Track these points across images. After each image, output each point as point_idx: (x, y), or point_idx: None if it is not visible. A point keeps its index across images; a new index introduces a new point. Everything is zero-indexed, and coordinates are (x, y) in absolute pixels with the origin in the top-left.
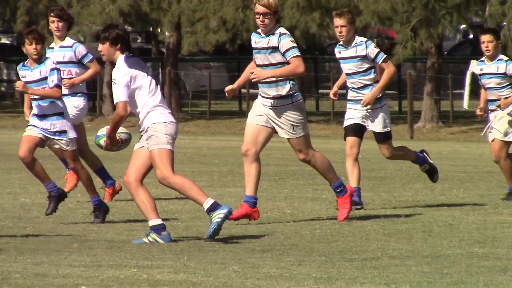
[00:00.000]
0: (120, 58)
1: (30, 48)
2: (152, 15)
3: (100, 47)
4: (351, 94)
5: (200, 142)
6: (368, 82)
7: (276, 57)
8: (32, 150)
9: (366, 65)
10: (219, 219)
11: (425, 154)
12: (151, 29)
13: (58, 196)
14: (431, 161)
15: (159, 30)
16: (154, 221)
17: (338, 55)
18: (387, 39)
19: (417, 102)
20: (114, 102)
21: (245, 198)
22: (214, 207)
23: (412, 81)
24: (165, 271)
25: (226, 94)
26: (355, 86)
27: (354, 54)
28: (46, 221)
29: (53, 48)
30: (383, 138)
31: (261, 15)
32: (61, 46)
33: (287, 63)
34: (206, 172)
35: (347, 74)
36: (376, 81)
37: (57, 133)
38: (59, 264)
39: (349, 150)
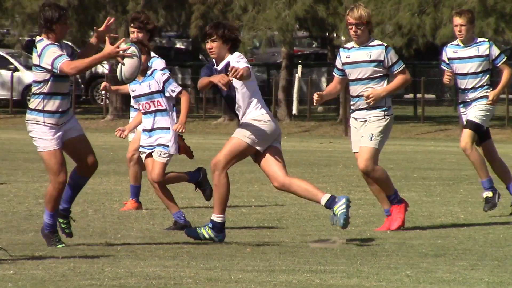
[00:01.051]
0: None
1: None
2: (328, 20)
3: (210, 44)
4: (462, 97)
5: None
6: (481, 84)
7: (379, 70)
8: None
9: (486, 67)
10: (206, 235)
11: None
12: (327, 34)
13: (181, 227)
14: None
15: (335, 35)
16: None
17: (452, 55)
18: None
19: None
20: (242, 67)
21: (387, 212)
22: (217, 226)
23: None
24: (338, 275)
25: (315, 99)
26: (469, 87)
27: (477, 53)
28: None
29: None
30: (470, 125)
31: (354, 26)
32: None
33: (386, 75)
34: None
35: (461, 74)
36: (488, 83)
37: (159, 145)
38: (231, 269)
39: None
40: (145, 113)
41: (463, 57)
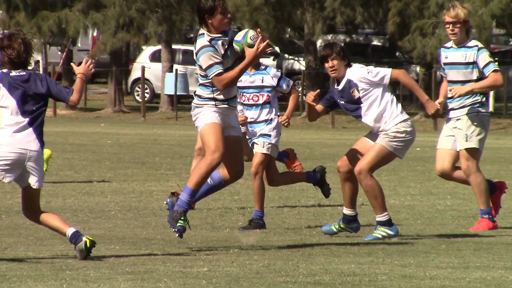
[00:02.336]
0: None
1: None
2: None
3: (330, 63)
4: None
5: None
6: None
7: (474, 73)
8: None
9: None
10: (380, 235)
11: None
12: None
13: (258, 227)
14: None
15: None
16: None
17: None
18: None
19: None
20: (389, 72)
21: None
22: (384, 224)
23: None
24: None
25: (437, 111)
26: None
27: None
28: (414, 223)
29: None
30: None
31: (451, 25)
32: None
33: (481, 78)
34: None
35: None
36: None
37: (260, 136)
38: (426, 266)
39: None
40: (250, 105)
41: None
